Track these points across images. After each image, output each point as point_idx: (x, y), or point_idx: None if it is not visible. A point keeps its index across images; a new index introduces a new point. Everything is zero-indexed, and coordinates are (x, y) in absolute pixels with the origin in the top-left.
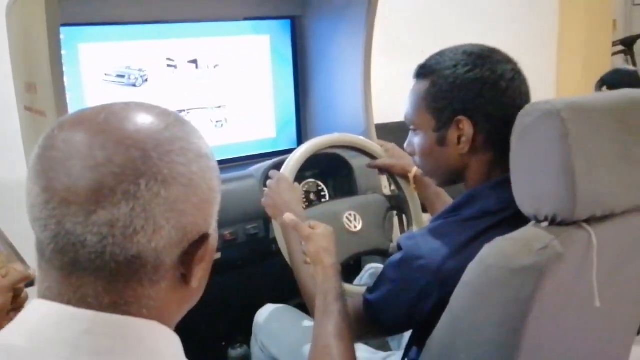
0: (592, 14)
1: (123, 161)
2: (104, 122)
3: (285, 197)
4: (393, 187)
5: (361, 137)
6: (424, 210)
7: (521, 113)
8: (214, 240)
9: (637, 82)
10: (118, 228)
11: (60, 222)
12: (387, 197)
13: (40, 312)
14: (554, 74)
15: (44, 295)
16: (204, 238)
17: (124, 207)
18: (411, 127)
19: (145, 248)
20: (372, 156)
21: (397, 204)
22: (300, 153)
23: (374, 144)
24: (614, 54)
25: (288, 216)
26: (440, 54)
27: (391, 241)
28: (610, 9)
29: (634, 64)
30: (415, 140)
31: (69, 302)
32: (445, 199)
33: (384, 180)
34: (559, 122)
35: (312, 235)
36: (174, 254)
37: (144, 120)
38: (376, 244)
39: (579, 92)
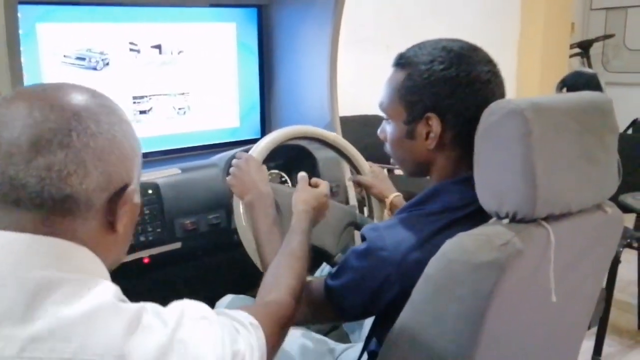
0: (552, 17)
1: (58, 119)
2: (41, 92)
3: (253, 176)
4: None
5: (353, 147)
6: None
7: (486, 111)
8: (135, 195)
9: (596, 84)
10: (54, 171)
11: (4, 172)
12: (356, 211)
13: None
14: (513, 74)
15: None
16: (125, 187)
17: (59, 154)
18: (384, 115)
19: (77, 189)
20: (355, 167)
21: (361, 222)
22: (271, 138)
23: (363, 160)
24: (571, 56)
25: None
26: (421, 46)
27: (342, 252)
28: (569, 13)
29: (590, 66)
30: (387, 128)
31: (6, 230)
32: None
33: (347, 172)
34: (522, 121)
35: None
36: (101, 198)
37: (75, 92)
38: (324, 244)
39: (537, 92)
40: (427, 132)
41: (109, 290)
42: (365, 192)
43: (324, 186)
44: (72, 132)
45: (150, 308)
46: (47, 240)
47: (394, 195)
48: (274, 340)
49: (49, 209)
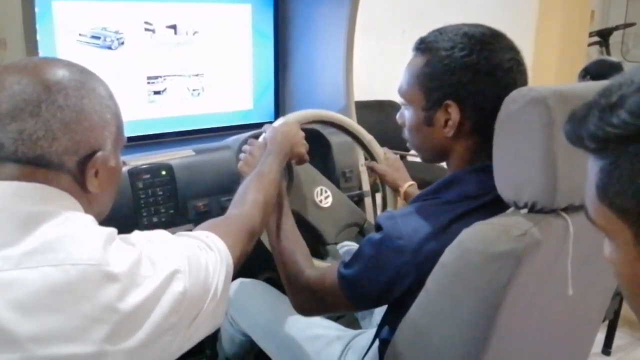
0: (571, 4)
1: (31, 91)
2: (27, 66)
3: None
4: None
5: (367, 133)
6: None
7: (507, 99)
8: (110, 159)
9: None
10: (26, 135)
11: None
12: (364, 217)
13: None
14: (530, 62)
15: None
16: (94, 153)
17: (30, 122)
18: (403, 100)
19: (46, 151)
20: (370, 154)
21: (367, 228)
22: (312, 113)
23: (378, 146)
24: (590, 44)
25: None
26: (442, 30)
27: (335, 245)
28: (588, 0)
29: (609, 55)
30: (405, 113)
31: None
32: None
33: (361, 158)
34: (544, 109)
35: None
36: (72, 160)
37: (55, 67)
38: (325, 230)
39: (554, 81)
40: (445, 119)
41: (88, 217)
42: (379, 180)
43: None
44: (42, 103)
45: (117, 234)
46: (32, 185)
47: (408, 185)
48: (238, 250)
49: (28, 164)
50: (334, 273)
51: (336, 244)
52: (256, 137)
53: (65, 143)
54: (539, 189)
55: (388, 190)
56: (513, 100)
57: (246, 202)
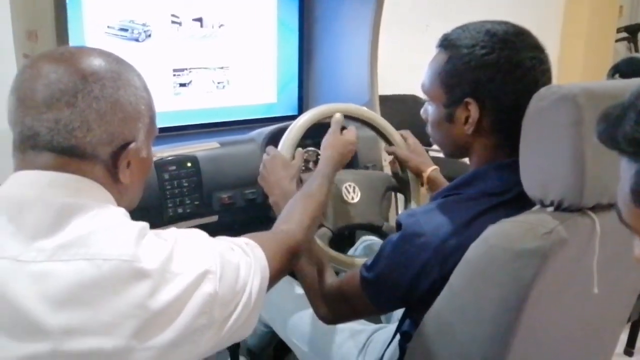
0: None
1: (67, 81)
2: (60, 56)
3: (278, 175)
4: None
5: (385, 121)
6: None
7: (535, 96)
8: (143, 150)
9: None
10: (61, 125)
11: (24, 121)
12: (389, 176)
13: (18, 176)
14: (555, 58)
15: (20, 169)
16: (127, 145)
17: (65, 112)
18: (425, 96)
19: (81, 142)
20: (389, 141)
21: (399, 185)
22: (299, 125)
23: (396, 133)
24: (617, 40)
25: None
26: (464, 28)
27: (386, 220)
28: None
29: (637, 52)
30: (428, 109)
31: (34, 169)
32: None
33: (384, 155)
34: (574, 107)
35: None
36: (105, 151)
37: (91, 57)
38: (371, 219)
39: (580, 78)
40: (465, 116)
41: (120, 211)
42: (401, 167)
43: (352, 134)
44: (79, 93)
45: (149, 230)
46: (67, 176)
47: (431, 170)
48: (278, 264)
49: (63, 153)
50: (357, 278)
51: (330, 229)
52: (280, 132)
53: (100, 134)
54: (566, 188)
55: (411, 177)
56: (542, 98)
57: (293, 221)
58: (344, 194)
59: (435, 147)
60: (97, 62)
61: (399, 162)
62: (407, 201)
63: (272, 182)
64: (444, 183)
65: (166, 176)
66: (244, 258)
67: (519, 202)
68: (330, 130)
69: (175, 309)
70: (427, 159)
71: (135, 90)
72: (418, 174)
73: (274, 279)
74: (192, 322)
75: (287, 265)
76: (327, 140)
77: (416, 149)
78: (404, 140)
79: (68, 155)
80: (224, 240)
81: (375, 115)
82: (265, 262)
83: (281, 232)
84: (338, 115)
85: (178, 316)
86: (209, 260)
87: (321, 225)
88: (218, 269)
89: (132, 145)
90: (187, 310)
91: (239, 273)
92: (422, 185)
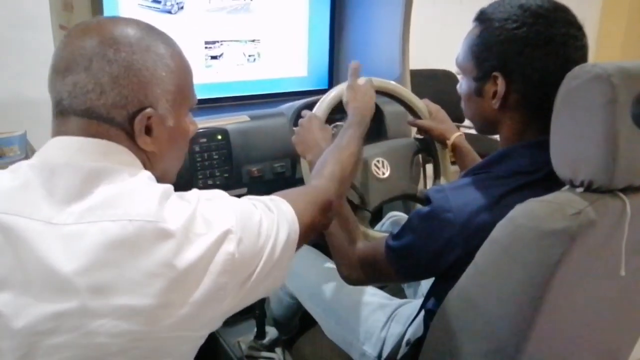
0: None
1: (87, 47)
2: (89, 25)
3: (316, 135)
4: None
5: (407, 90)
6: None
7: (569, 75)
8: (165, 120)
9: None
10: (79, 87)
11: (54, 86)
12: (414, 140)
13: (51, 142)
14: (594, 35)
15: (55, 135)
16: (142, 109)
17: (82, 75)
18: (459, 70)
19: (95, 104)
20: (412, 110)
21: (424, 146)
22: (335, 94)
23: (419, 101)
24: None
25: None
26: (500, 2)
27: (417, 184)
28: None
29: None
30: (462, 83)
31: (66, 134)
32: None
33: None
34: (608, 86)
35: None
36: (121, 115)
37: (115, 24)
38: (404, 189)
39: (619, 55)
40: (493, 91)
41: (145, 174)
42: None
43: (365, 80)
44: (94, 57)
45: (173, 192)
46: (95, 141)
47: (455, 136)
48: (308, 218)
49: (85, 117)
50: (383, 245)
51: (370, 212)
52: (309, 106)
53: (113, 97)
54: (597, 168)
55: (437, 146)
56: (575, 76)
57: (323, 175)
58: (374, 172)
59: (467, 123)
60: (119, 29)
61: (426, 132)
62: (435, 167)
63: (309, 141)
64: (469, 150)
65: (196, 148)
66: (266, 214)
67: (548, 182)
68: (347, 84)
69: (201, 268)
70: (451, 126)
71: (156, 57)
72: (443, 142)
73: (306, 233)
74: (216, 280)
75: (320, 219)
76: (348, 95)
77: (438, 116)
78: (427, 110)
79: (89, 118)
80: (246, 199)
81: (396, 86)
82: (294, 216)
83: (311, 186)
84: (354, 64)
85: (204, 275)
86: (230, 220)
87: (359, 208)
88: (239, 229)
89: (148, 111)
90: (211, 269)
91: (261, 230)
92: (445, 150)
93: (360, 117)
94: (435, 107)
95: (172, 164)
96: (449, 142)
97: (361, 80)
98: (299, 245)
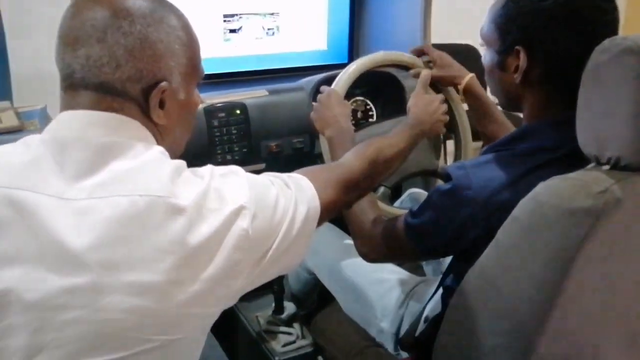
0: None
1: (100, 17)
2: None
3: (334, 111)
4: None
5: (390, 52)
6: (474, 137)
7: (598, 48)
8: (177, 93)
9: None
10: (92, 60)
11: (64, 58)
12: None
13: (61, 117)
14: (622, 6)
15: (64, 109)
16: (157, 83)
17: (95, 47)
18: (482, 42)
19: (110, 77)
20: (407, 69)
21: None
22: (353, 69)
23: (410, 57)
24: None
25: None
26: None
27: (437, 159)
28: None
29: None
30: (486, 56)
31: (76, 109)
32: (494, 114)
33: None
34: (639, 60)
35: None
36: (135, 89)
37: None
38: (424, 164)
39: None
40: (515, 65)
41: (158, 149)
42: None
43: (439, 99)
44: (108, 29)
45: (186, 167)
46: (105, 114)
47: (468, 78)
48: (330, 195)
49: (96, 91)
50: (402, 222)
51: (389, 188)
52: (328, 81)
53: (129, 70)
54: (625, 145)
55: (448, 92)
56: (604, 50)
57: (352, 154)
58: None
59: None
60: (131, 1)
61: (431, 85)
62: (457, 144)
63: (328, 116)
64: (482, 91)
65: (215, 123)
66: (284, 190)
67: (573, 160)
68: (414, 92)
69: (213, 244)
70: (460, 68)
71: (169, 29)
72: (455, 87)
73: (327, 211)
74: (230, 256)
75: (342, 197)
76: (411, 101)
77: (444, 61)
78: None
79: (101, 92)
80: (264, 175)
81: (378, 55)
82: (314, 192)
83: (336, 164)
84: (425, 73)
85: (217, 251)
86: (244, 195)
87: (378, 184)
88: (253, 204)
89: (164, 84)
90: (225, 246)
91: (277, 206)
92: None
93: (417, 121)
94: (438, 54)
95: (181, 136)
96: (461, 87)
97: (435, 95)
98: (320, 223)
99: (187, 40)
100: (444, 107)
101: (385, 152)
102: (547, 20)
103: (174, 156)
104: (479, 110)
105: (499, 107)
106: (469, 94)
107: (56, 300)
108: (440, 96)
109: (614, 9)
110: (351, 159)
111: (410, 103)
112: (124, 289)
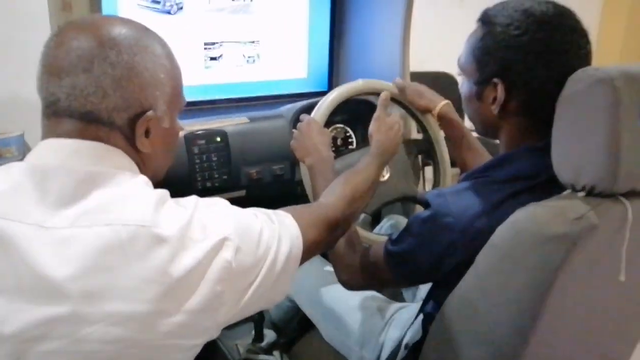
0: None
1: (85, 47)
2: (83, 24)
3: (314, 140)
4: (420, 132)
5: (382, 82)
6: (453, 164)
7: (572, 78)
8: (164, 120)
9: None
10: (78, 90)
11: (47, 87)
12: (412, 140)
13: (44, 144)
14: (594, 37)
15: (47, 136)
16: (143, 112)
17: (81, 77)
18: (460, 71)
19: (97, 107)
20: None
21: (424, 147)
22: (333, 97)
23: (385, 84)
24: None
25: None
26: (505, 5)
27: (417, 186)
28: None
29: None
30: (464, 84)
31: (60, 137)
32: (469, 141)
33: (413, 127)
34: (611, 90)
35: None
36: (122, 118)
37: (112, 24)
38: (404, 191)
39: (618, 59)
40: (493, 96)
41: (142, 179)
42: (412, 113)
43: (396, 117)
44: (95, 59)
45: (169, 197)
46: (90, 143)
47: (441, 105)
48: (313, 235)
49: (81, 120)
50: (381, 249)
51: (369, 214)
52: (309, 109)
53: (116, 100)
54: (599, 172)
55: (424, 119)
56: (578, 80)
57: (333, 194)
58: None
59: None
60: (116, 29)
61: (410, 113)
62: (435, 169)
63: (308, 145)
64: (457, 119)
65: (195, 150)
66: (268, 225)
67: (549, 187)
68: (375, 115)
69: (196, 275)
70: (434, 95)
71: (155, 58)
72: (429, 112)
73: (310, 249)
74: (213, 288)
75: (325, 237)
76: (373, 126)
77: (417, 90)
78: (402, 85)
79: (86, 121)
80: (249, 209)
81: (353, 85)
82: (297, 231)
83: (318, 204)
84: (384, 95)
85: (200, 282)
86: (228, 227)
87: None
88: (237, 237)
89: (150, 113)
90: (208, 277)
91: (261, 240)
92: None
93: (382, 149)
94: (412, 84)
95: (163, 165)
96: (435, 112)
97: (394, 116)
98: (302, 262)
99: (170, 69)
100: (401, 125)
101: (359, 188)
102: (525, 54)
103: (154, 183)
104: (455, 136)
105: (475, 134)
106: (443, 121)
107: (35, 331)
108: (398, 117)
109: (587, 42)
110: (332, 200)
111: (372, 128)
112: (105, 319)
